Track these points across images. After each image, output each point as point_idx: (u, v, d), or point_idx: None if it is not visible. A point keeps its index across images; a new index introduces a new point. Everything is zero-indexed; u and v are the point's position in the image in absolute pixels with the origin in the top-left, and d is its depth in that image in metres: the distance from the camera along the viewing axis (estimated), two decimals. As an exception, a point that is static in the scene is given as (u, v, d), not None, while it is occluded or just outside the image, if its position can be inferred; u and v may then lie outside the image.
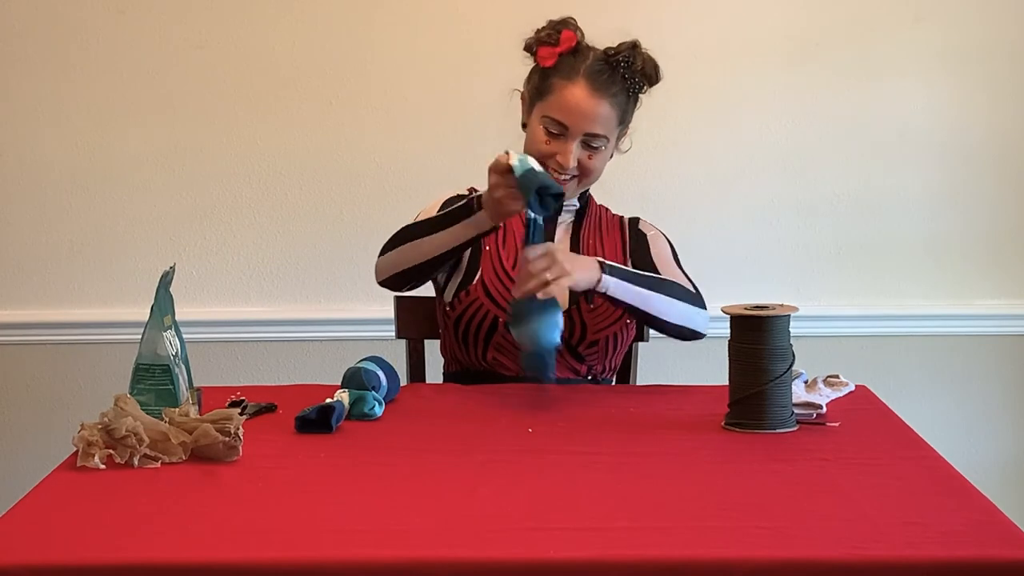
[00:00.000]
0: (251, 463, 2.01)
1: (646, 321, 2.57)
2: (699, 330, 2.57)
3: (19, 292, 3.43)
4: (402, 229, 2.57)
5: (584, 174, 2.62)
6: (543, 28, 2.62)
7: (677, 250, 2.72)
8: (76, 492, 1.88)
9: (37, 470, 2.06)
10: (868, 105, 3.41)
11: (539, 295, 2.34)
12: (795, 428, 2.20)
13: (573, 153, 2.58)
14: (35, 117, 3.38)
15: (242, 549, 1.67)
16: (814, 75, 3.41)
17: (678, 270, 2.66)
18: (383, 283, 2.61)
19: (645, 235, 2.72)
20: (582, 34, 2.61)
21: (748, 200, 3.43)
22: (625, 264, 2.65)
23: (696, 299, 2.59)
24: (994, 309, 3.48)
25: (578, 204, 2.70)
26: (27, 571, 1.61)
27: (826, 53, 3.40)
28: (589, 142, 2.59)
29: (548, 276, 2.35)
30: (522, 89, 2.67)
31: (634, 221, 2.75)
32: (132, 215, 3.41)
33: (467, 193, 2.67)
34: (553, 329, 2.36)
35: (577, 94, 2.56)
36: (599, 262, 2.46)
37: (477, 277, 2.62)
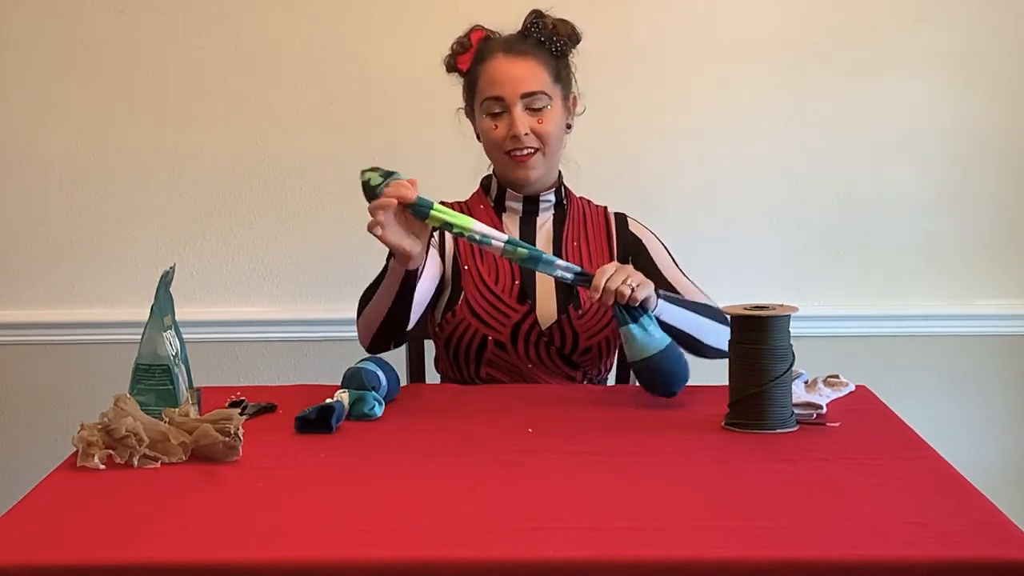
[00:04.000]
0: (251, 463, 2.01)
1: (688, 345, 2.51)
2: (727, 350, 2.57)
3: (19, 292, 3.43)
4: (361, 298, 2.56)
5: (543, 140, 2.61)
6: (453, 44, 2.68)
7: (672, 252, 2.72)
8: (76, 492, 1.88)
9: (37, 470, 2.06)
10: (868, 105, 3.41)
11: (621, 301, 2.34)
12: (795, 428, 2.20)
13: (520, 118, 2.58)
14: (35, 117, 3.39)
15: (242, 549, 1.67)
16: (814, 75, 3.40)
17: (687, 279, 2.66)
18: (368, 349, 2.56)
19: (640, 239, 2.71)
20: (492, 31, 2.66)
21: (748, 200, 3.43)
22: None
23: (724, 318, 2.54)
24: (994, 309, 3.47)
25: (554, 199, 2.70)
26: (27, 571, 1.61)
27: (826, 53, 3.40)
28: (531, 104, 2.60)
29: (632, 283, 2.34)
30: (463, 106, 2.71)
31: (621, 219, 2.74)
32: (132, 215, 3.41)
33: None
34: (651, 337, 2.36)
35: (498, 65, 2.60)
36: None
37: (461, 297, 2.62)
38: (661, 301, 2.45)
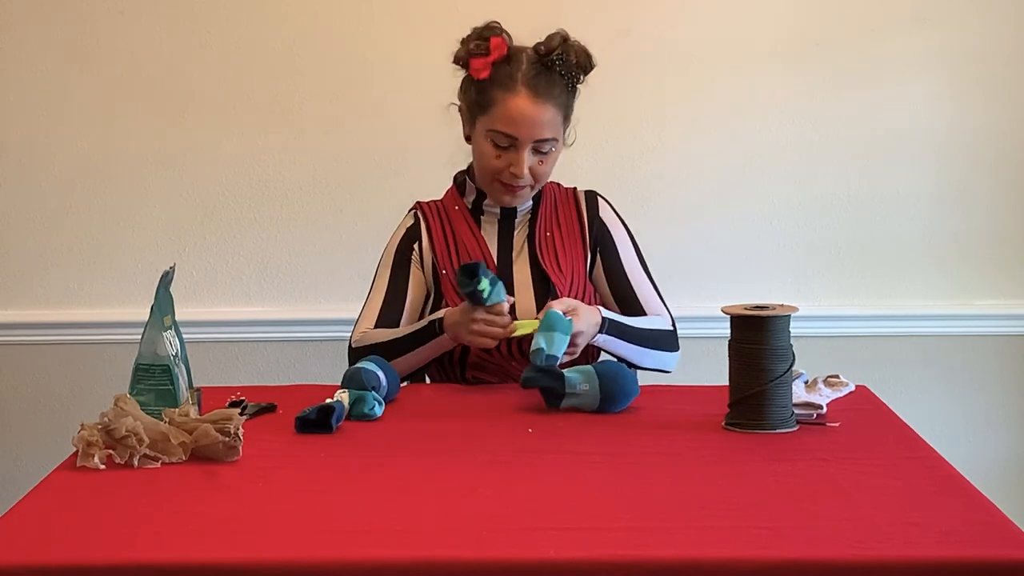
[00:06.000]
0: (251, 463, 2.01)
1: (628, 365, 2.60)
2: (668, 370, 2.67)
3: (19, 292, 3.43)
4: (364, 348, 2.58)
5: (536, 179, 2.62)
6: (470, 39, 2.61)
7: (639, 243, 2.73)
8: (76, 492, 1.88)
9: (37, 470, 2.06)
10: (868, 105, 3.41)
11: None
12: (795, 428, 2.20)
13: (525, 161, 2.57)
14: (35, 117, 3.38)
15: (242, 549, 1.67)
16: (814, 75, 3.40)
17: (649, 283, 2.70)
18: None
19: (609, 230, 2.71)
20: (510, 37, 2.60)
21: (748, 200, 3.43)
22: (586, 255, 2.68)
23: (674, 341, 2.66)
24: (994, 309, 3.47)
25: (532, 202, 2.70)
26: (27, 571, 1.61)
27: (826, 54, 3.40)
28: (539, 148, 2.59)
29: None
30: (458, 102, 2.66)
31: (592, 200, 2.73)
32: (133, 215, 3.41)
33: (412, 223, 2.69)
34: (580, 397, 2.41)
35: (521, 104, 2.55)
36: (602, 318, 2.53)
37: (443, 302, 2.63)
38: (604, 337, 2.54)
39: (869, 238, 3.45)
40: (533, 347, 2.39)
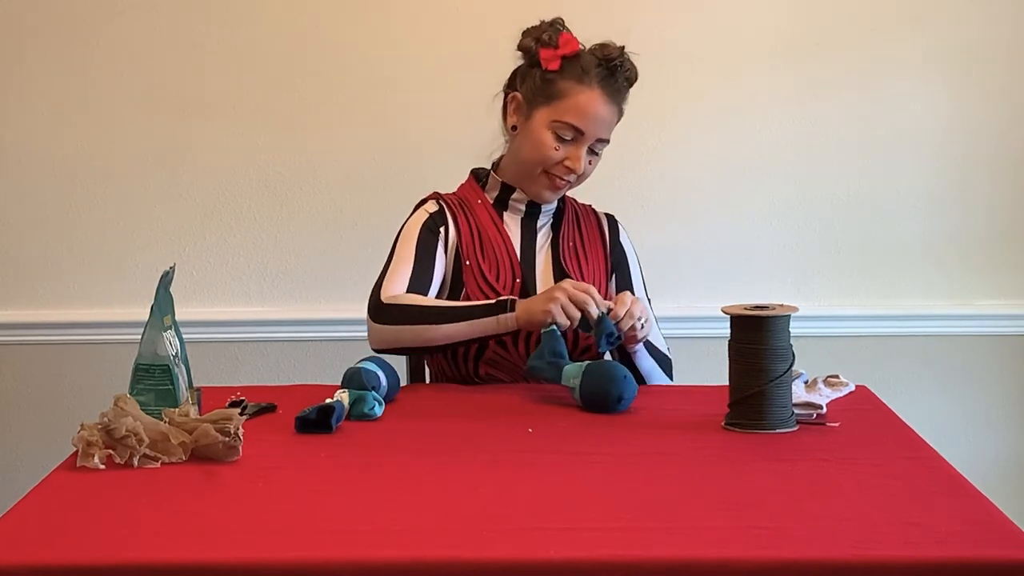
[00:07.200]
0: (251, 463, 2.01)
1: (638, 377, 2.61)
2: None
3: (19, 292, 3.43)
4: (404, 307, 2.52)
5: (580, 178, 2.64)
6: (538, 29, 2.61)
7: (644, 274, 2.77)
8: (76, 492, 1.88)
9: (37, 470, 2.06)
10: (868, 105, 3.41)
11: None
12: (795, 428, 2.20)
13: (582, 158, 2.59)
14: (35, 117, 3.39)
15: (242, 549, 1.67)
16: (814, 75, 3.41)
17: (650, 309, 2.70)
18: (378, 351, 2.55)
19: (626, 255, 2.75)
20: (572, 33, 2.61)
21: (748, 200, 3.44)
22: (607, 273, 2.71)
23: (671, 369, 2.69)
24: (994, 309, 3.48)
25: (555, 205, 2.71)
26: (27, 571, 1.61)
27: (826, 53, 3.40)
28: (594, 148, 2.61)
29: (643, 328, 2.48)
30: (514, 92, 2.63)
31: (613, 224, 2.77)
32: (132, 215, 3.41)
33: (436, 209, 2.66)
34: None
35: (595, 100, 2.56)
36: None
37: (462, 293, 2.61)
38: (640, 346, 2.58)
39: (869, 238, 3.46)
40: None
